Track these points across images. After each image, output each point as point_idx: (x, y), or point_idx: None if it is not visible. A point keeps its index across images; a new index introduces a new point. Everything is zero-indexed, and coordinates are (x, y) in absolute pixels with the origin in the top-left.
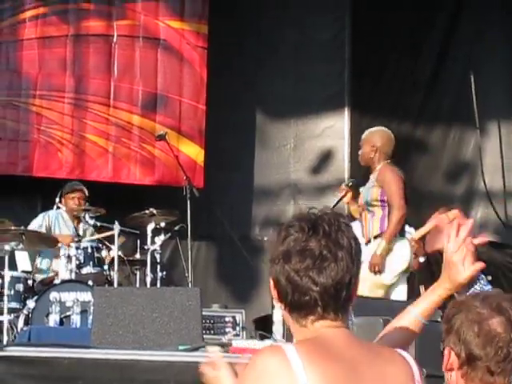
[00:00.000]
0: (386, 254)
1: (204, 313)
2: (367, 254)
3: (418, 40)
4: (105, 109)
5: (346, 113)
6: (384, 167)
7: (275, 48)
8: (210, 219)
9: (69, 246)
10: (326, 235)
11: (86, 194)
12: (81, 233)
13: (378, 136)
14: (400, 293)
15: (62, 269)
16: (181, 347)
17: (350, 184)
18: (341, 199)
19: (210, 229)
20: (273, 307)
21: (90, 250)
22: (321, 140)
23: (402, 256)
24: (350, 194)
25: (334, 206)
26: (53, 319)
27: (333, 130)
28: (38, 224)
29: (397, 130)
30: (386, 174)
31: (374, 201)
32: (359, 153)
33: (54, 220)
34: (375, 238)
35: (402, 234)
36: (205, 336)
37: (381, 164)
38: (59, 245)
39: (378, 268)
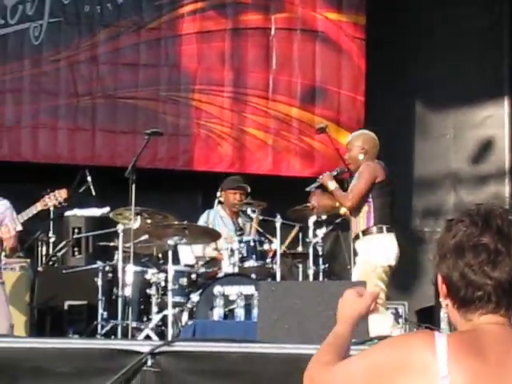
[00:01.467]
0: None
1: None
2: (362, 249)
3: None
4: (264, 102)
5: (506, 101)
6: (365, 163)
7: (432, 37)
8: None
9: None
10: (499, 230)
11: (248, 191)
12: (241, 227)
13: (365, 139)
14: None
15: (225, 262)
16: None
17: (336, 173)
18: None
19: None
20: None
21: (252, 244)
22: (481, 129)
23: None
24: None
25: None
26: (217, 313)
27: (493, 118)
28: (203, 221)
29: None
30: (362, 168)
31: None
32: (346, 157)
33: (213, 220)
34: (363, 233)
35: (390, 229)
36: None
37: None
38: (221, 239)
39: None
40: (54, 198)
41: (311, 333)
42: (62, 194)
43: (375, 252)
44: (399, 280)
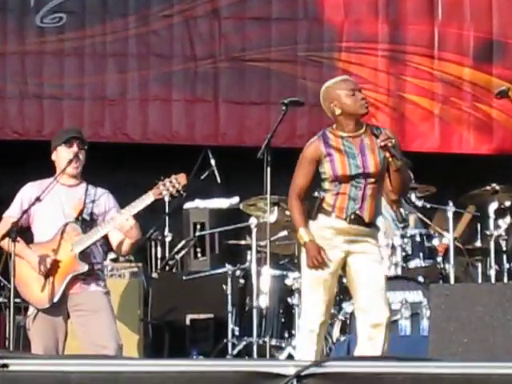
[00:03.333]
0: None
1: None
2: None
3: None
4: (428, 61)
5: None
6: None
7: None
8: None
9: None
10: None
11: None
12: (404, 217)
13: None
14: None
15: (385, 263)
16: None
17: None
18: None
19: None
20: None
21: (418, 239)
22: None
23: None
24: None
25: None
26: None
27: None
28: None
29: None
30: None
31: None
32: None
33: None
34: None
35: None
36: None
37: None
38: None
39: None
40: (170, 185)
41: (496, 348)
42: (180, 179)
43: None
44: None
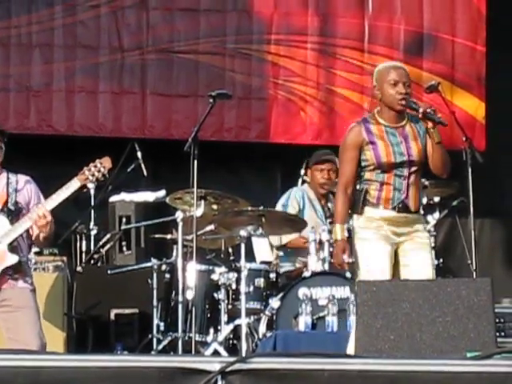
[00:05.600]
0: None
1: None
2: None
3: None
4: (358, 55)
5: None
6: None
7: None
8: (496, 190)
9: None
10: None
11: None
12: (331, 212)
13: None
14: None
15: (313, 258)
16: (469, 354)
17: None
18: None
19: (495, 203)
20: None
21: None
22: None
23: None
24: None
25: None
26: (303, 321)
27: None
28: (283, 203)
29: None
30: None
31: None
32: None
33: (300, 201)
34: None
35: None
36: None
37: None
38: (307, 229)
39: None
40: (95, 170)
41: (423, 345)
42: (105, 163)
43: None
44: None
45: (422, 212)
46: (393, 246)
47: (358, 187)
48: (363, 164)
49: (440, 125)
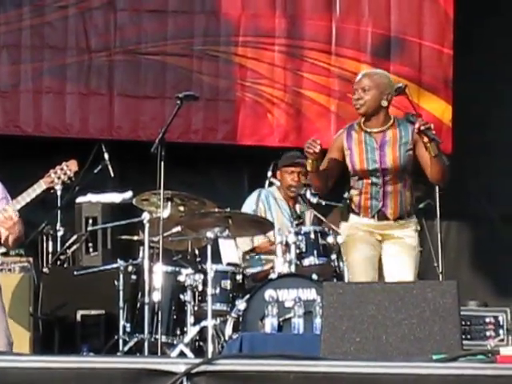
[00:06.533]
0: None
1: None
2: None
3: None
4: (325, 57)
5: None
6: None
7: None
8: (462, 194)
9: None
10: None
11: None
12: (298, 214)
13: None
14: None
15: (279, 260)
16: (435, 357)
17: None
18: None
19: (462, 206)
20: None
21: (313, 236)
22: None
23: None
24: None
25: None
26: (269, 323)
27: None
28: (250, 206)
29: None
30: None
31: None
32: None
33: (266, 202)
34: None
35: None
36: None
37: None
38: (273, 231)
39: None
40: (61, 173)
41: (389, 347)
42: (71, 166)
43: None
44: (499, 281)
45: (410, 217)
46: (378, 252)
47: (345, 195)
48: (349, 170)
49: (434, 142)
